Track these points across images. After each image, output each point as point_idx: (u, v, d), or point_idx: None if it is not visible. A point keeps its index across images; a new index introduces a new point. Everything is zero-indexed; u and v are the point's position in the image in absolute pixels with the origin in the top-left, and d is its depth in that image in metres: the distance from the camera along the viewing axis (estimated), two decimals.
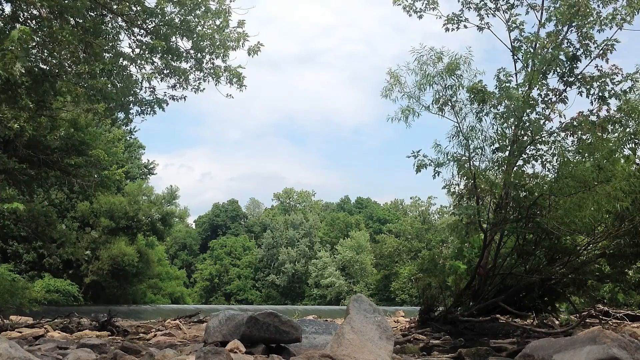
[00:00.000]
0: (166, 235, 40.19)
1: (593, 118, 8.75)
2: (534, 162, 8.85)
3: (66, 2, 7.26)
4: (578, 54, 9.07)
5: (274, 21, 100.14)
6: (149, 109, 9.61)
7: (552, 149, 8.68)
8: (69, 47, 7.56)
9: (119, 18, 8.91)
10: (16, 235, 28.40)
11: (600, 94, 8.86)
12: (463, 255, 10.12)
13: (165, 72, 9.47)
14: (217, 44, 9.10)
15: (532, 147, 8.78)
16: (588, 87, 8.99)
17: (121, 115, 9.92)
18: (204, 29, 9.04)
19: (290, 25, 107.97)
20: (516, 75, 9.18)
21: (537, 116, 8.70)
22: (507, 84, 8.60)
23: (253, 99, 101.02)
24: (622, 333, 2.85)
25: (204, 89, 9.73)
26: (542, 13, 9.64)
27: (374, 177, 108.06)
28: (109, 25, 9.07)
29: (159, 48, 8.72)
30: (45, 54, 8.37)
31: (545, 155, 8.77)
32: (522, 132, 8.65)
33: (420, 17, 9.85)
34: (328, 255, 63.99)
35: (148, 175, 42.47)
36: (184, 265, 70.59)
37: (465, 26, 9.92)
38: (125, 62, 9.23)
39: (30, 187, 12.37)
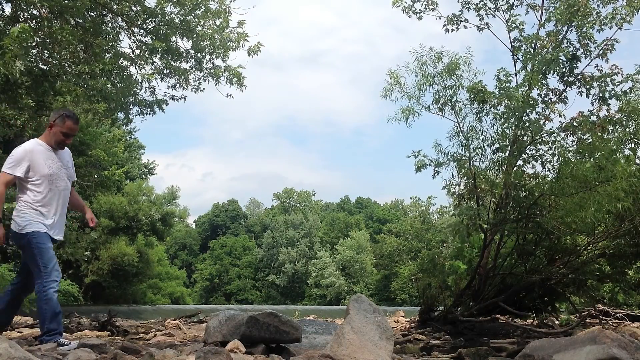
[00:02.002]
0: (166, 235, 40.18)
1: (593, 118, 8.74)
2: (534, 162, 8.84)
3: (66, 2, 7.26)
4: (578, 53, 9.06)
5: (275, 22, 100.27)
6: (149, 109, 9.62)
7: (552, 149, 8.67)
8: (69, 47, 7.56)
9: (119, 18, 8.92)
10: None
11: (600, 95, 8.85)
12: (463, 255, 10.12)
13: (165, 72, 9.48)
14: (217, 44, 9.10)
15: (532, 147, 8.77)
16: (588, 87, 8.98)
17: (121, 115, 9.93)
18: (204, 29, 9.05)
19: (291, 26, 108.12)
20: (516, 75, 9.17)
21: (537, 116, 8.70)
22: (507, 84, 8.59)
23: (255, 99, 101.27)
24: (622, 333, 2.85)
25: (204, 89, 9.74)
26: (541, 13, 9.65)
27: (374, 177, 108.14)
28: (109, 25, 9.07)
29: (159, 48, 8.73)
30: (46, 54, 8.37)
31: (545, 155, 8.76)
32: (522, 132, 8.64)
33: (419, 18, 9.85)
34: (328, 255, 63.99)
35: (148, 175, 42.48)
36: (184, 265, 70.56)
37: (465, 27, 9.92)
38: (125, 62, 9.23)
39: None
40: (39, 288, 4.46)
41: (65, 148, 5.01)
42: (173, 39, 9.08)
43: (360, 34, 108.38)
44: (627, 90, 8.72)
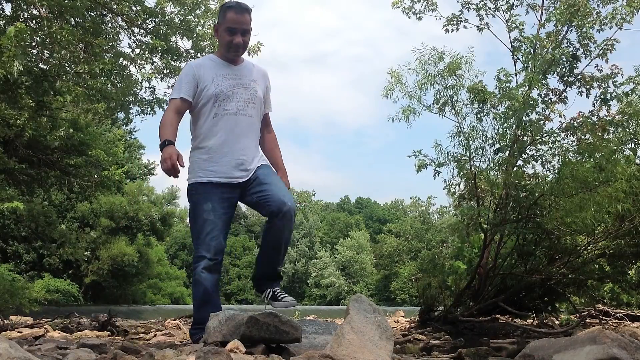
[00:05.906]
0: (166, 235, 40.24)
1: (594, 119, 8.73)
2: (534, 162, 8.84)
3: (66, 2, 7.26)
4: (578, 54, 9.06)
5: (279, 24, 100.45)
6: (149, 109, 9.63)
7: (553, 149, 8.66)
8: (69, 47, 7.56)
9: (119, 18, 8.93)
10: (16, 235, 28.44)
11: (601, 96, 8.84)
12: (463, 255, 10.11)
13: (165, 72, 9.48)
14: (217, 43, 9.10)
15: (532, 148, 8.77)
16: (588, 87, 8.98)
17: (121, 115, 9.94)
18: (204, 29, 9.05)
19: (295, 28, 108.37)
20: (516, 76, 9.16)
21: (537, 116, 8.70)
22: (507, 84, 8.58)
23: None
24: (622, 333, 2.85)
25: None
26: (541, 13, 9.64)
27: (375, 178, 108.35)
28: (109, 25, 9.08)
29: (159, 48, 8.73)
30: (46, 54, 8.37)
31: (545, 156, 8.76)
32: (522, 133, 8.64)
33: (419, 18, 9.85)
34: (328, 255, 64.01)
35: (148, 176, 42.49)
36: (184, 265, 70.54)
37: (465, 27, 9.91)
38: (125, 62, 9.24)
39: (30, 187, 12.37)
40: (192, 264, 3.50)
41: (257, 66, 3.78)
42: (173, 38, 9.09)
43: (363, 36, 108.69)
44: (629, 92, 8.70)
